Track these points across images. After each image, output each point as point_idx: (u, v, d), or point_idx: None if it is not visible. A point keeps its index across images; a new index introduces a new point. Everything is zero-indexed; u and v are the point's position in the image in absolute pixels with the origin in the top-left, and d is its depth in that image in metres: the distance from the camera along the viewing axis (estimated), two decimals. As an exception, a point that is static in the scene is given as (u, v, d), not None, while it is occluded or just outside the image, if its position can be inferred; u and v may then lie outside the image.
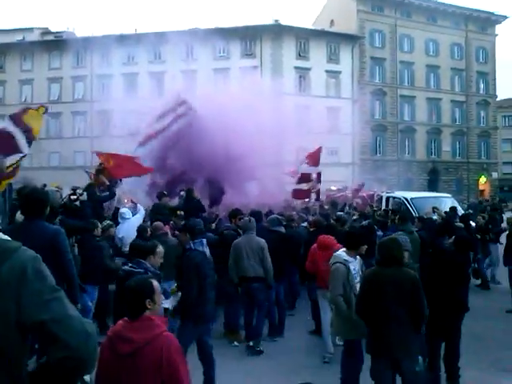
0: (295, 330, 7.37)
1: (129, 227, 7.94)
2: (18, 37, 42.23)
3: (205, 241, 5.25)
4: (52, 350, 1.40)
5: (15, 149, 6.39)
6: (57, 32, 45.07)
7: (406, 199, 13.84)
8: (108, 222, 7.67)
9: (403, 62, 42.52)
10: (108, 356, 2.63)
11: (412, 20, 42.90)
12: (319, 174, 13.28)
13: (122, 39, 35.23)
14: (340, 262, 4.90)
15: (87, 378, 2.51)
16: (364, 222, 9.13)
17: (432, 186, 38.36)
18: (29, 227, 3.97)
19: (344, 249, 5.13)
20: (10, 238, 1.46)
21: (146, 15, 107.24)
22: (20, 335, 1.39)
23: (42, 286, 1.41)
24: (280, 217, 8.57)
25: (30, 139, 6.62)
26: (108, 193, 8.78)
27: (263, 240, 6.69)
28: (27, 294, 1.37)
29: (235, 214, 8.07)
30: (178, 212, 8.45)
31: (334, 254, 5.17)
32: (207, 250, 5.20)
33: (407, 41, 42.98)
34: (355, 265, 5.04)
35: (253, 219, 7.06)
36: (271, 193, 12.92)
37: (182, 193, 10.51)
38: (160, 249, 4.61)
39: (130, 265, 4.45)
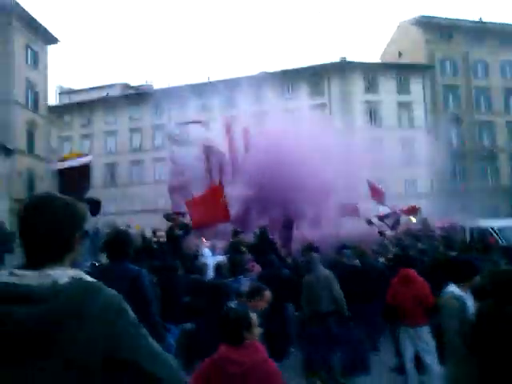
0: (378, 368, 7.11)
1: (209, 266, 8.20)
2: (103, 93, 45.89)
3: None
4: None
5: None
6: (136, 86, 48.53)
7: (493, 229, 12.99)
8: (204, 261, 7.87)
9: (478, 87, 40.95)
10: (216, 377, 2.79)
11: (484, 44, 41.51)
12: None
13: (195, 88, 37.23)
14: (454, 298, 4.26)
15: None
16: (452, 254, 8.67)
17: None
18: (112, 268, 4.09)
19: (454, 285, 4.44)
20: (93, 279, 1.51)
21: (216, 63, 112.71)
22: (108, 375, 1.42)
23: (128, 324, 1.46)
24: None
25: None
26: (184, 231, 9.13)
27: (328, 271, 6.70)
28: (116, 333, 1.41)
29: (309, 248, 8.09)
30: (242, 248, 8.43)
31: (444, 290, 4.54)
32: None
33: (481, 66, 41.48)
34: (469, 300, 4.29)
35: (313, 254, 7.12)
36: (346, 227, 12.82)
37: (256, 230, 10.70)
38: (268, 293, 4.46)
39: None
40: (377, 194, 13.98)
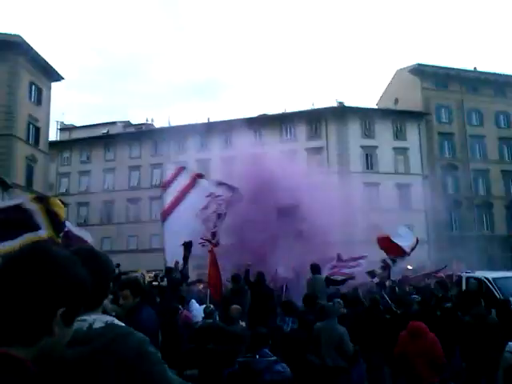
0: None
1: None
2: (103, 130, 46.40)
3: None
4: None
5: (33, 227, 6.23)
6: (137, 124, 49.22)
7: (488, 279, 12.89)
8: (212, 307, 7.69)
9: (473, 136, 41.72)
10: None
11: (479, 93, 42.62)
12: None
13: (195, 128, 37.91)
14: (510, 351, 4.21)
15: None
16: (447, 305, 8.58)
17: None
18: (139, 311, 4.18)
19: None
20: (124, 324, 1.71)
21: (216, 105, 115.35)
22: None
23: (154, 363, 1.62)
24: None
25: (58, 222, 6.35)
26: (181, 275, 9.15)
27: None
28: (144, 373, 1.57)
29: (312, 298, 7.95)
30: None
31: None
32: None
33: (475, 114, 42.44)
34: None
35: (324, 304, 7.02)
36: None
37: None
38: None
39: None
40: (389, 247, 13.02)
